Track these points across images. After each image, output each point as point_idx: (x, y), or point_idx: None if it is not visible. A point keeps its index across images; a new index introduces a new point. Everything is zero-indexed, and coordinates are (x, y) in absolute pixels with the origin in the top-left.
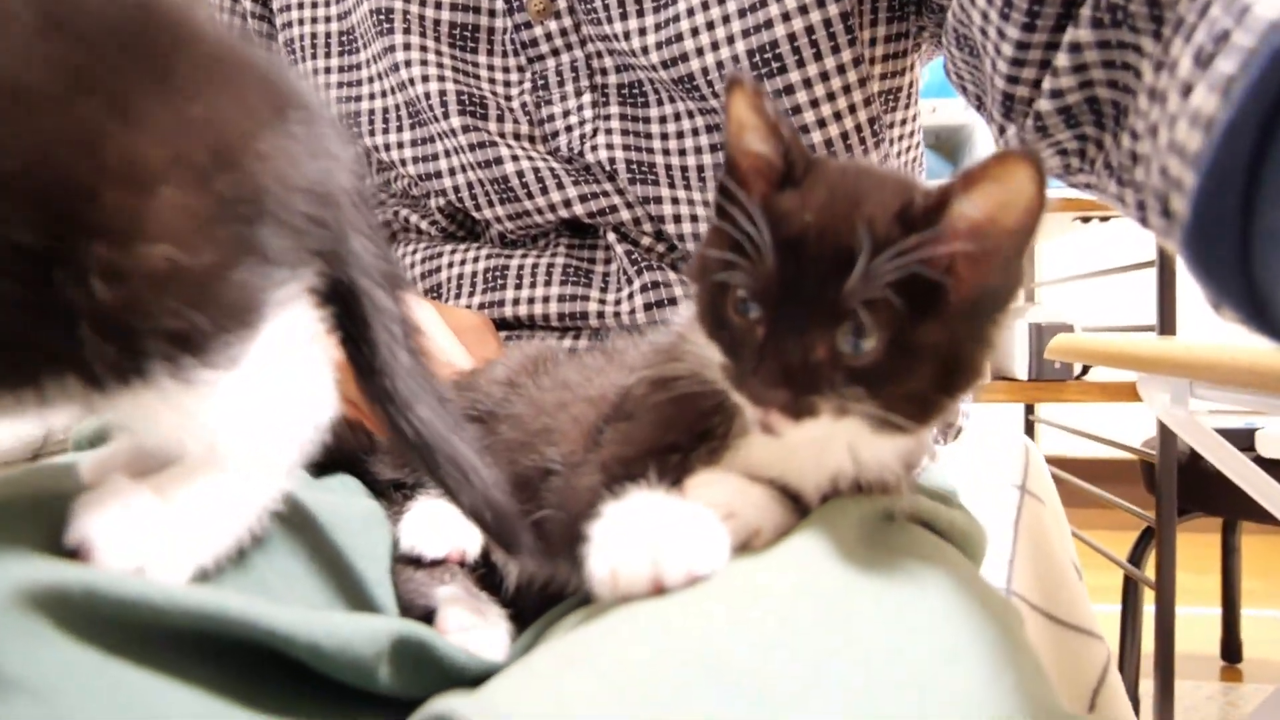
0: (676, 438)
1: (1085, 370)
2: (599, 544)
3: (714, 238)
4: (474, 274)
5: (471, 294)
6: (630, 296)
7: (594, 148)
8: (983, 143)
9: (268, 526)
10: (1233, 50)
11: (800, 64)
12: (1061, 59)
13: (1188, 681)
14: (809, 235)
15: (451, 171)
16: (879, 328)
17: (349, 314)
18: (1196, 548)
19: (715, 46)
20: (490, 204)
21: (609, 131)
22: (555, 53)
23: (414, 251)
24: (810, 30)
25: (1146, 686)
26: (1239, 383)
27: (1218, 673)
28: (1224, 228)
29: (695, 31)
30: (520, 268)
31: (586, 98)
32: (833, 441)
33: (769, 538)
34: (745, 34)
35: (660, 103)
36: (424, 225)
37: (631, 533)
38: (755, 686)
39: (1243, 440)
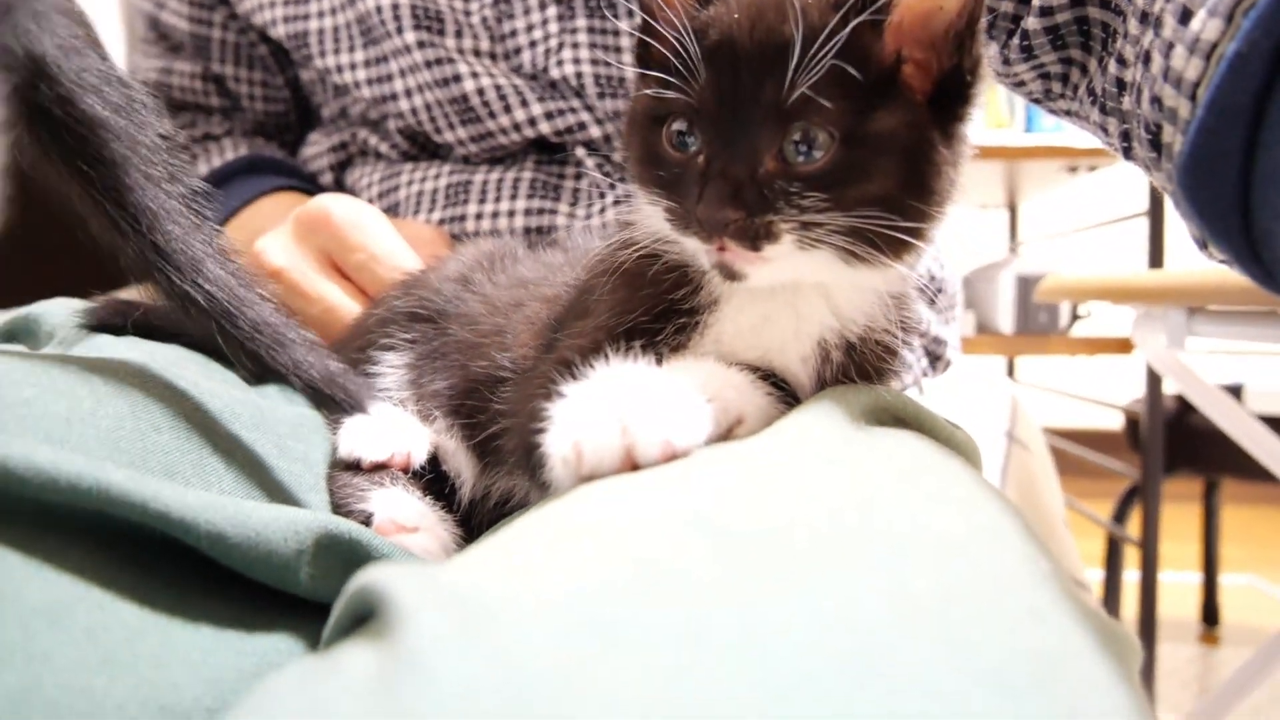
0: (637, 319)
1: (1072, 323)
2: (559, 420)
3: (640, 90)
4: (434, 190)
5: (431, 210)
6: (603, 211)
7: (559, 63)
8: None
9: (175, 419)
10: None
11: None
12: None
13: (1167, 644)
14: (739, 35)
15: (408, 92)
16: (829, 124)
17: (73, 145)
18: (1177, 514)
19: None
20: (451, 126)
21: (575, 45)
22: None
23: (372, 172)
24: None
25: None
26: (1242, 301)
27: (1196, 637)
28: (1224, 163)
29: None
30: (485, 183)
31: (551, 10)
32: (806, 293)
33: (754, 428)
34: None
35: (631, 14)
36: (384, 148)
37: (597, 403)
38: (757, 544)
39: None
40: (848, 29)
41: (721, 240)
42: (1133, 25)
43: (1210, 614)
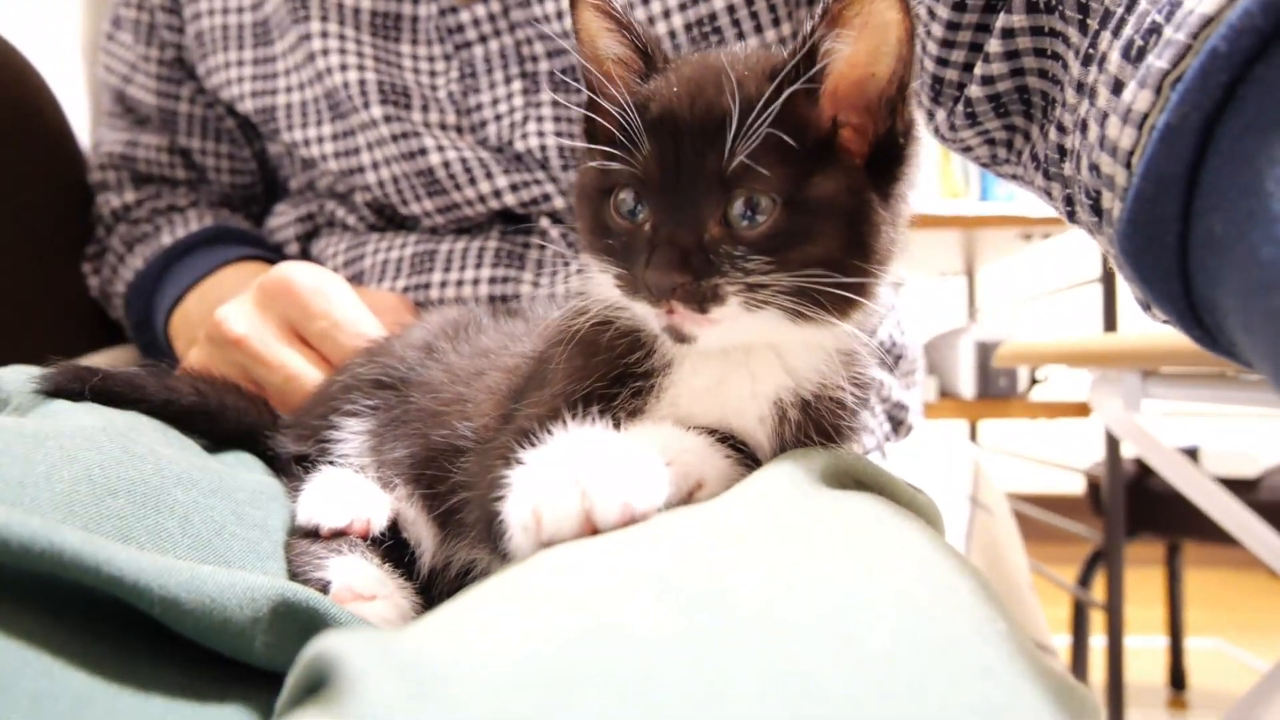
0: (593, 385)
1: (1031, 387)
2: (518, 487)
3: (587, 166)
4: (400, 259)
5: (396, 278)
6: (566, 280)
7: (524, 136)
8: (923, 161)
9: (131, 484)
10: (1165, 45)
11: (740, 36)
12: (994, 44)
13: (1136, 710)
14: (679, 108)
15: (375, 165)
16: (770, 189)
17: None
18: (1142, 578)
19: (652, 21)
20: (417, 198)
21: (540, 119)
22: (483, 39)
23: (338, 243)
24: (750, 1)
25: None
26: (1195, 363)
27: (1164, 702)
28: (1161, 230)
29: (631, 6)
30: (450, 252)
31: (516, 85)
32: (759, 354)
33: (714, 491)
34: (683, 7)
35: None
36: (350, 220)
37: (556, 468)
38: (712, 604)
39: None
40: (783, 97)
41: (670, 304)
42: (1070, 94)
43: (1178, 678)
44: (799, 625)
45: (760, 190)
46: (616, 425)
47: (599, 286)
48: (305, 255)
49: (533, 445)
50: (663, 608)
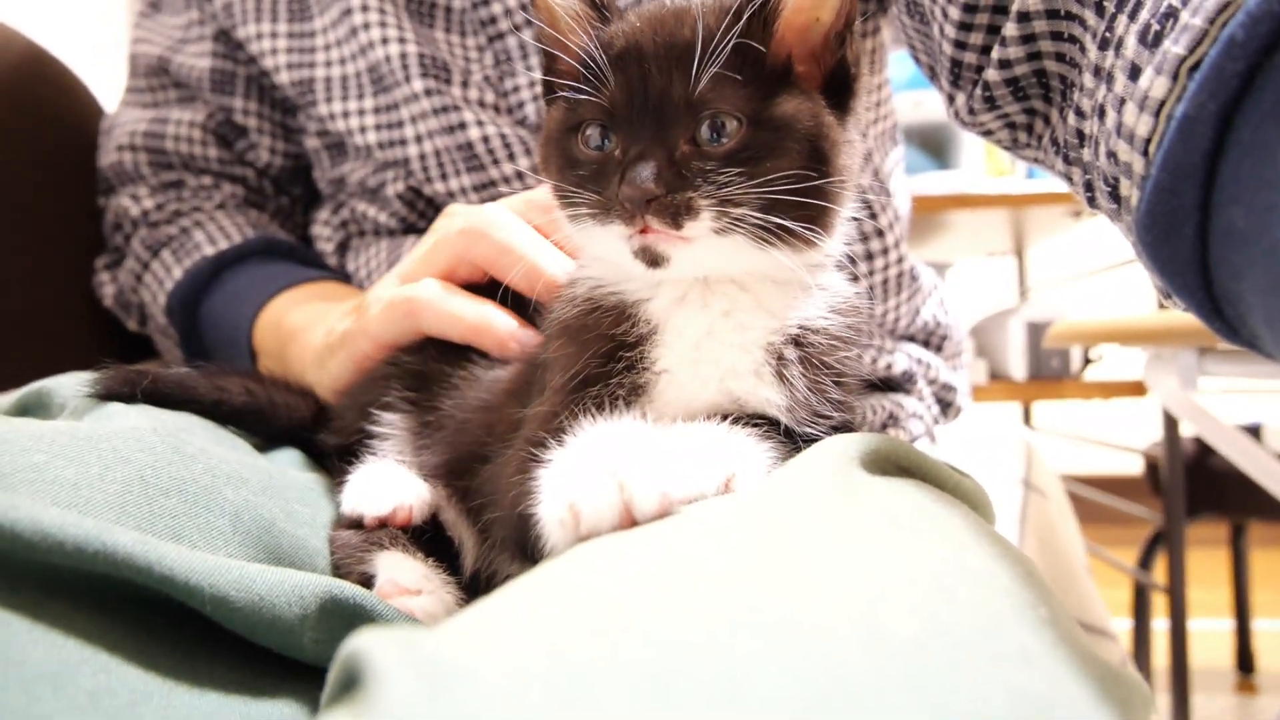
0: (588, 364)
1: (1084, 367)
2: (549, 485)
3: (551, 110)
4: None
5: None
6: None
7: None
8: (969, 139)
9: (182, 484)
10: (1182, 30)
11: None
12: (1010, 27)
13: (1202, 694)
14: (644, 40)
15: (418, 139)
16: (735, 109)
17: None
18: (1205, 560)
19: None
20: (457, 173)
21: None
22: (516, 28)
23: (377, 253)
24: None
25: (1162, 702)
26: None
27: (1232, 686)
28: (1179, 222)
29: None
30: None
31: None
32: (738, 299)
33: (747, 478)
34: None
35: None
36: (383, 218)
37: (587, 463)
38: (742, 599)
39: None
40: (742, 21)
41: (644, 221)
42: (1088, 79)
43: (1245, 661)
44: (828, 617)
45: (725, 111)
46: (621, 406)
47: (586, 268)
48: (343, 267)
49: (546, 449)
50: (691, 603)
